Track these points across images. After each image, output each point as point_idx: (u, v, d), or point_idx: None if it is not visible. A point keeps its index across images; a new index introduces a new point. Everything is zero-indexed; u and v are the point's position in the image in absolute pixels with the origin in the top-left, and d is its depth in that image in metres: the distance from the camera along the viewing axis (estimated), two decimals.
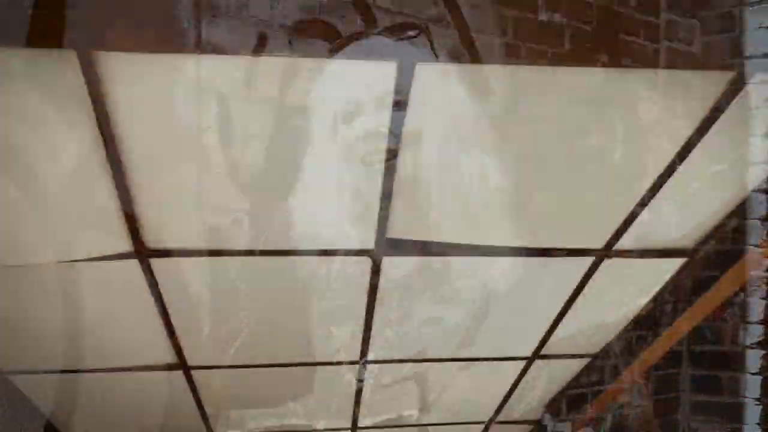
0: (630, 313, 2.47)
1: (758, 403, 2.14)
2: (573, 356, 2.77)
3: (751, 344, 2.15)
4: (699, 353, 2.50)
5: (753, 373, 2.16)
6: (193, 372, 2.69)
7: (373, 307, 2.32)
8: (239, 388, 2.85)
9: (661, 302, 2.40)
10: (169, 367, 2.62)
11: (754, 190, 2.05)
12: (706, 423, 2.42)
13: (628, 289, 2.30)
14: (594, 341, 2.68)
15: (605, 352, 2.77)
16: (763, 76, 1.69)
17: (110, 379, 2.68)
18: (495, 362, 2.78)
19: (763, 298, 2.11)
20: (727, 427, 2.30)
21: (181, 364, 2.61)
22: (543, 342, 2.61)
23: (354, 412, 3.14)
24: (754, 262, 2.10)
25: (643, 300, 2.39)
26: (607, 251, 2.09)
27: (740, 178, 1.95)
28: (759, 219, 2.05)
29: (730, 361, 2.29)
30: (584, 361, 2.85)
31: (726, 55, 1.75)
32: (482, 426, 3.45)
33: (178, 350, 2.47)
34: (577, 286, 2.24)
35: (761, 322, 2.11)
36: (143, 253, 1.99)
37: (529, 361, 2.78)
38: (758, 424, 2.14)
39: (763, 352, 2.12)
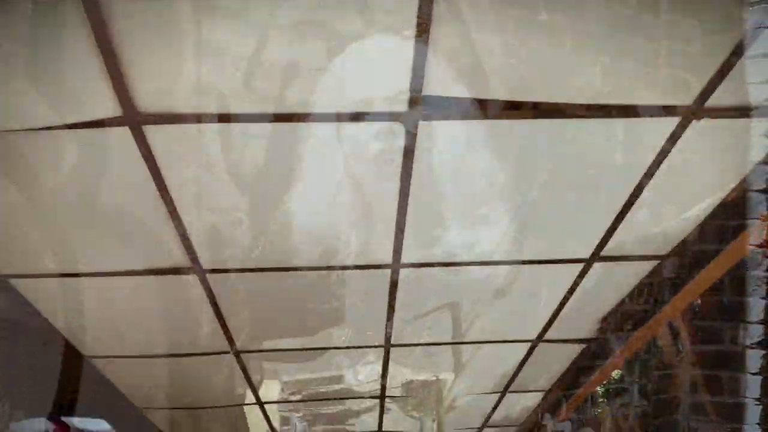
0: (714, 201, 2.08)
1: (758, 403, 2.11)
2: (639, 258, 2.40)
3: (751, 344, 2.12)
4: (699, 353, 2.45)
5: (753, 373, 2.13)
6: (208, 276, 2.43)
7: (407, 192, 1.98)
8: (259, 296, 2.59)
9: (752, 188, 2.00)
10: (181, 271, 2.37)
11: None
12: (706, 423, 2.38)
13: (716, 165, 1.91)
14: (665, 239, 2.30)
15: (676, 253, 2.40)
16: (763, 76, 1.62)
17: (120, 285, 2.44)
18: (545, 266, 2.44)
19: (763, 298, 2.07)
20: (727, 427, 2.25)
21: (193, 266, 2.35)
22: (606, 238, 2.25)
23: (386, 326, 2.87)
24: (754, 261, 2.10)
25: (732, 182, 1.99)
26: (698, 109, 1.69)
27: None
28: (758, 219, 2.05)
29: (730, 361, 2.24)
30: (649, 266, 2.49)
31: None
32: (528, 345, 3.15)
33: (188, 246, 2.19)
34: (656, 158, 1.85)
35: (761, 322, 2.07)
36: (135, 118, 1.68)
37: (587, 264, 2.43)
38: (758, 424, 2.11)
39: (763, 352, 2.09)
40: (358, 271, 2.43)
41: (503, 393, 3.79)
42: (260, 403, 3.83)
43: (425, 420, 4.32)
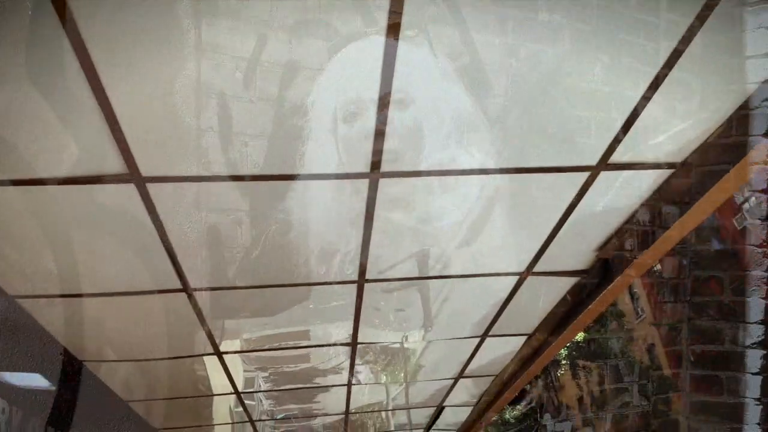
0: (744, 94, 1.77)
1: (758, 403, 2.11)
2: (652, 166, 2.10)
3: (751, 344, 2.12)
4: (699, 353, 2.44)
5: (753, 373, 2.13)
6: (149, 186, 2.02)
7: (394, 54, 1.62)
8: (215, 218, 2.20)
9: None
10: (119, 179, 1.96)
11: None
12: (706, 423, 2.37)
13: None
14: (684, 141, 2.00)
15: (690, 165, 2.11)
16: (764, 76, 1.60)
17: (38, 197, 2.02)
18: (547, 175, 2.12)
19: (762, 298, 2.06)
20: (727, 427, 2.25)
21: (131, 174, 1.94)
22: (615, 142, 1.93)
23: (362, 256, 2.52)
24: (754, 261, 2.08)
25: None
26: None
27: None
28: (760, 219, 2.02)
29: (730, 361, 2.23)
30: (662, 176, 2.20)
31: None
32: (516, 278, 2.86)
33: (119, 138, 1.77)
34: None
35: (761, 322, 2.06)
36: None
37: (594, 172, 2.12)
38: (758, 424, 2.11)
39: (763, 352, 2.09)
40: (338, 180, 2.06)
41: (482, 337, 3.52)
42: (218, 353, 3.47)
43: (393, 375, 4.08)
